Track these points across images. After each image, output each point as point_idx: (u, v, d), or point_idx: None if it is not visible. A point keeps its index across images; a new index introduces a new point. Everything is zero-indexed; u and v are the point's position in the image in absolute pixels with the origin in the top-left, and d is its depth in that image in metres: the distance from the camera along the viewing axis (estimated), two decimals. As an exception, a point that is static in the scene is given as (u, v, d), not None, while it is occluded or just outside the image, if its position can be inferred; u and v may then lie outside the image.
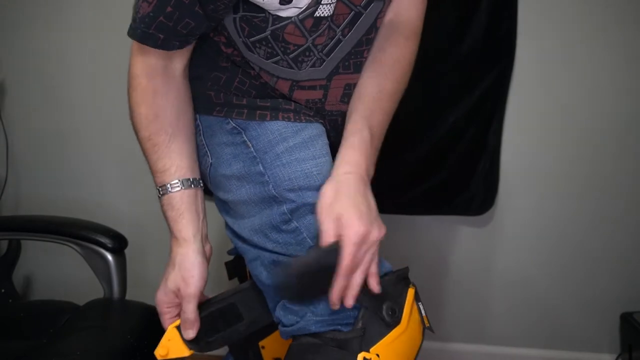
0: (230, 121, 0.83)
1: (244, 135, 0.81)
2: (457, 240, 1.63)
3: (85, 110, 1.67)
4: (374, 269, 0.74)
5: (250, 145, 0.81)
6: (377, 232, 0.72)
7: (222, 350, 1.11)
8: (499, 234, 1.61)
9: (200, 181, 0.84)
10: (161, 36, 0.73)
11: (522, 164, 1.55)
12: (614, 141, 1.51)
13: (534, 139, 1.54)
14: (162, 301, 0.82)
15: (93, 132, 1.68)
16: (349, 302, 0.72)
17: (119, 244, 1.15)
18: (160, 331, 0.84)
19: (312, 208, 0.75)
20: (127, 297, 1.15)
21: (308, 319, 0.75)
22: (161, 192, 0.81)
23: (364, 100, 0.81)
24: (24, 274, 1.79)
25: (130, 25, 0.74)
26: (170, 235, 0.82)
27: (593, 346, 1.63)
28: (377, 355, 0.72)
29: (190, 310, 0.79)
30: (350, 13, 0.76)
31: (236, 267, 1.04)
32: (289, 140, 0.80)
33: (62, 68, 1.64)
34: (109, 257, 1.13)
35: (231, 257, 1.07)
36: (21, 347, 0.97)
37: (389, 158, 1.52)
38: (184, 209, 0.81)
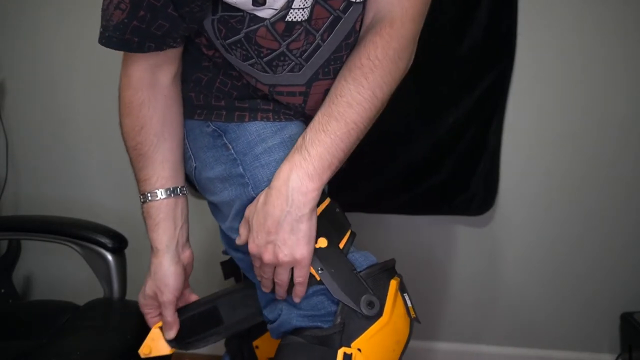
0: (210, 124, 0.84)
1: (224, 138, 0.82)
2: (457, 240, 1.63)
3: (85, 111, 1.67)
4: (299, 279, 0.75)
5: (230, 147, 0.82)
6: (268, 255, 0.74)
7: (220, 351, 1.11)
8: (499, 234, 1.61)
9: (184, 188, 0.85)
10: (135, 39, 0.73)
11: (522, 164, 1.55)
12: (613, 141, 1.51)
13: (534, 139, 1.53)
14: (143, 304, 0.87)
15: (93, 132, 1.67)
16: (279, 292, 0.77)
17: (119, 244, 1.15)
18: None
19: None
20: (127, 297, 1.15)
21: (290, 312, 0.77)
22: (142, 200, 0.84)
23: (322, 106, 0.77)
24: (24, 274, 1.79)
25: (102, 34, 0.73)
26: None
27: (593, 346, 1.63)
28: (359, 349, 0.71)
29: (169, 314, 0.84)
30: (329, 17, 0.75)
31: (232, 267, 1.05)
32: (267, 141, 0.80)
33: (62, 68, 1.64)
34: (109, 257, 1.13)
35: (227, 257, 1.07)
36: (21, 347, 0.97)
37: (389, 158, 1.54)
38: (160, 219, 0.83)
